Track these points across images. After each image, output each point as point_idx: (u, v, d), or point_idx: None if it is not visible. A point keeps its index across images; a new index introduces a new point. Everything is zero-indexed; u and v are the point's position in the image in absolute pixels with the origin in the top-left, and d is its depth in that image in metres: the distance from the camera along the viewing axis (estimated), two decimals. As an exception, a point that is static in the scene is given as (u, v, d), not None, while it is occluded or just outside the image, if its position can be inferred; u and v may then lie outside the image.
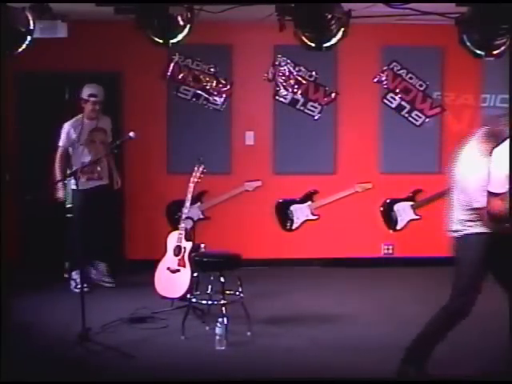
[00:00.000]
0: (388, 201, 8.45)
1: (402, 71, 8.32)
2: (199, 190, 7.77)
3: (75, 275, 7.11)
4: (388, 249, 8.49)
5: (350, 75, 8.26)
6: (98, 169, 7.27)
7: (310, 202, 8.43)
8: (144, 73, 8.03)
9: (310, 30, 5.26)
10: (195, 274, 6.12)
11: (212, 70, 8.22)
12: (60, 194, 7.14)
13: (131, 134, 6.31)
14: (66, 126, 7.17)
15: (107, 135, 7.38)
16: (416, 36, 8.10)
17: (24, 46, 5.34)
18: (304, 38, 5.29)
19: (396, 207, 8.45)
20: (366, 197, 8.41)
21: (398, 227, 8.47)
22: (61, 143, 7.17)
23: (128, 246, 8.28)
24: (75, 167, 6.93)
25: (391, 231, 8.48)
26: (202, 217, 8.19)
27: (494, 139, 4.49)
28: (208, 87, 8.21)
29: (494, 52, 5.33)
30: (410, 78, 8.33)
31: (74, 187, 6.72)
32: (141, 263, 7.50)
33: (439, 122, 8.41)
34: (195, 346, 5.61)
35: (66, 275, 7.41)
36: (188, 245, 6.42)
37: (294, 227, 8.46)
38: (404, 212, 8.44)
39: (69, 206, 7.11)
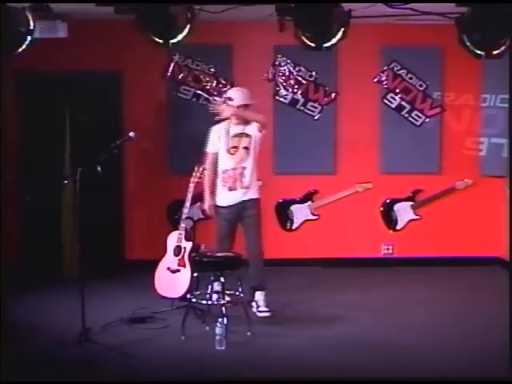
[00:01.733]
0: (388, 201, 8.45)
1: (402, 71, 8.32)
2: (199, 190, 7.75)
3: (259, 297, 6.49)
4: (388, 249, 8.48)
5: (350, 75, 8.25)
6: (244, 179, 6.47)
7: (309, 202, 8.42)
8: (144, 73, 8.03)
9: (310, 30, 5.27)
10: (195, 274, 6.13)
11: (212, 69, 8.22)
12: (207, 206, 6.55)
13: (131, 133, 6.30)
14: (212, 132, 6.61)
15: (253, 142, 6.50)
16: (416, 36, 8.09)
17: (24, 46, 5.34)
18: (304, 38, 5.31)
19: (396, 207, 8.45)
20: (366, 197, 8.41)
21: (398, 227, 8.47)
22: (208, 149, 6.61)
23: (128, 246, 8.28)
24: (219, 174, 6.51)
25: (391, 231, 8.48)
26: (202, 217, 8.17)
27: None
28: (208, 87, 8.21)
29: (494, 52, 5.33)
30: (410, 78, 8.33)
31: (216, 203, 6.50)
32: (141, 263, 7.49)
33: (439, 122, 8.40)
34: (195, 346, 5.60)
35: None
36: (188, 245, 6.42)
37: (293, 227, 8.46)
38: (404, 212, 8.44)
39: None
